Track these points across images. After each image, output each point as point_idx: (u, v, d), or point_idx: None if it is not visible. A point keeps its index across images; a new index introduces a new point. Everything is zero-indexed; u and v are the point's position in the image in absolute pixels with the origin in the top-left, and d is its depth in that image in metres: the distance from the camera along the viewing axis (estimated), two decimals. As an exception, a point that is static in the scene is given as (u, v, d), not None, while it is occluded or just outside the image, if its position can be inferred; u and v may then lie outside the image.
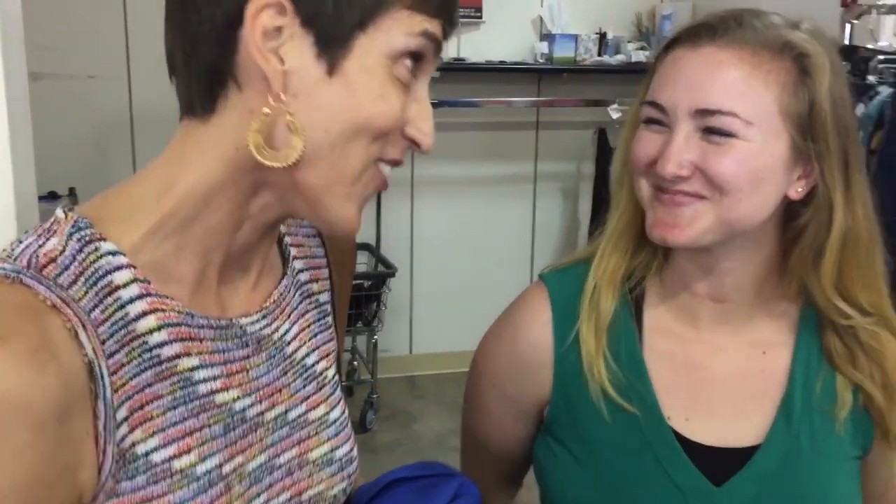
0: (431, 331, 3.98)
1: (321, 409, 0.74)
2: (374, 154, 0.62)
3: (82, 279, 0.57)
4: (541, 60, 3.76)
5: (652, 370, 0.92)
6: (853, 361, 0.91)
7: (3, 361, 0.49)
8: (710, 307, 0.93)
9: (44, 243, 0.58)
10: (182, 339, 0.61)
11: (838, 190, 0.85)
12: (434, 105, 0.64)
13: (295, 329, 0.74)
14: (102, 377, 0.55)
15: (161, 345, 0.60)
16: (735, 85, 0.82)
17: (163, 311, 0.60)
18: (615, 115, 3.54)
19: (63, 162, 3.19)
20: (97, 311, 0.57)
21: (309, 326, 0.76)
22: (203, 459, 0.62)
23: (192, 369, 0.62)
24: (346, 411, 0.78)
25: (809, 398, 0.91)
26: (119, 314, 0.58)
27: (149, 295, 0.60)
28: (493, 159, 3.95)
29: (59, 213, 0.60)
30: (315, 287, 0.78)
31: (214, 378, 0.64)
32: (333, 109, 0.58)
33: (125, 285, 0.59)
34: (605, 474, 0.92)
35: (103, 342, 0.56)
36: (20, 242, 0.59)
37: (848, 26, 2.49)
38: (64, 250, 0.57)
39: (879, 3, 2.51)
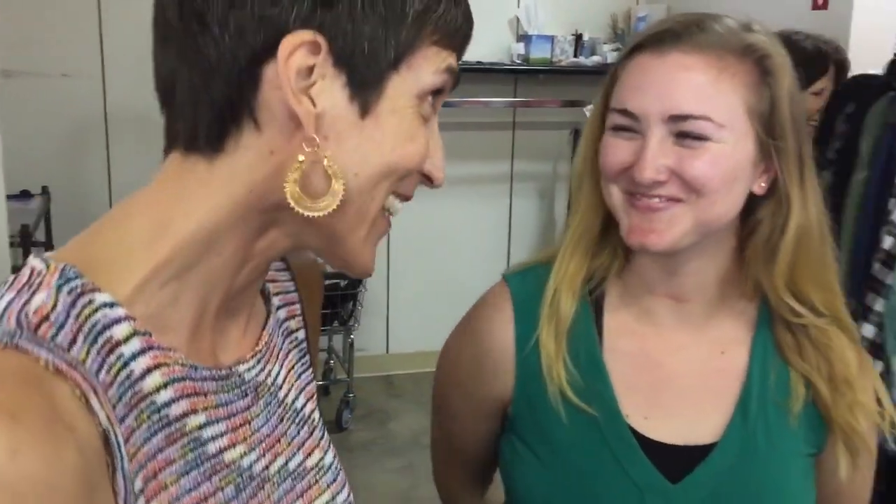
0: (408, 330, 3.99)
1: (316, 456, 0.72)
2: (391, 192, 0.60)
3: (81, 337, 0.51)
4: (517, 61, 3.78)
5: (612, 370, 0.94)
6: (801, 353, 0.93)
7: (19, 441, 0.42)
8: (671, 307, 0.95)
9: (29, 299, 0.50)
10: (188, 395, 0.57)
11: (795, 185, 0.88)
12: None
13: (283, 371, 0.71)
14: (119, 447, 0.49)
15: (169, 403, 0.55)
16: (705, 89, 0.83)
17: (167, 365, 0.55)
18: (591, 116, 3.56)
19: (36, 160, 3.18)
20: (103, 372, 0.51)
21: (293, 367, 0.73)
22: None
23: (200, 427, 0.58)
24: (336, 454, 0.76)
25: (765, 393, 0.93)
26: (124, 373, 0.53)
27: (151, 348, 0.55)
28: (469, 159, 3.96)
29: (37, 263, 0.53)
30: (293, 324, 0.75)
31: (222, 434, 0.60)
32: (365, 152, 0.56)
33: (126, 340, 0.53)
34: (566, 473, 0.93)
35: (114, 406, 0.51)
36: None
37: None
38: (55, 305, 0.51)
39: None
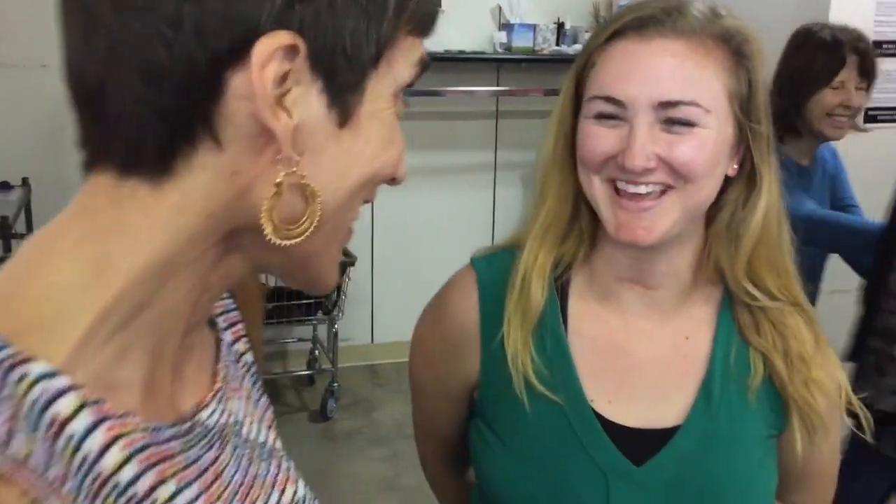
0: (393, 319, 3.98)
1: (290, 491, 0.65)
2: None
3: (19, 424, 0.41)
4: (500, 50, 3.78)
5: (577, 356, 0.95)
6: (758, 331, 0.94)
7: None
8: (639, 293, 0.95)
9: None
10: (154, 465, 0.48)
11: (766, 166, 0.90)
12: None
13: (243, 404, 0.63)
14: None
15: (134, 480, 0.46)
16: (692, 74, 0.84)
17: (125, 435, 0.46)
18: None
19: (16, 152, 3.16)
20: (54, 465, 0.42)
21: (249, 396, 0.65)
22: None
23: (172, 498, 0.50)
24: (306, 483, 0.70)
25: (727, 374, 0.94)
26: (78, 457, 0.43)
27: (105, 419, 0.45)
28: (453, 148, 3.97)
29: None
30: (241, 346, 0.67)
31: (196, 498, 0.52)
32: (343, 165, 0.49)
33: (74, 415, 0.43)
34: (532, 458, 0.94)
35: (74, 501, 0.43)
36: None
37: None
38: None
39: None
